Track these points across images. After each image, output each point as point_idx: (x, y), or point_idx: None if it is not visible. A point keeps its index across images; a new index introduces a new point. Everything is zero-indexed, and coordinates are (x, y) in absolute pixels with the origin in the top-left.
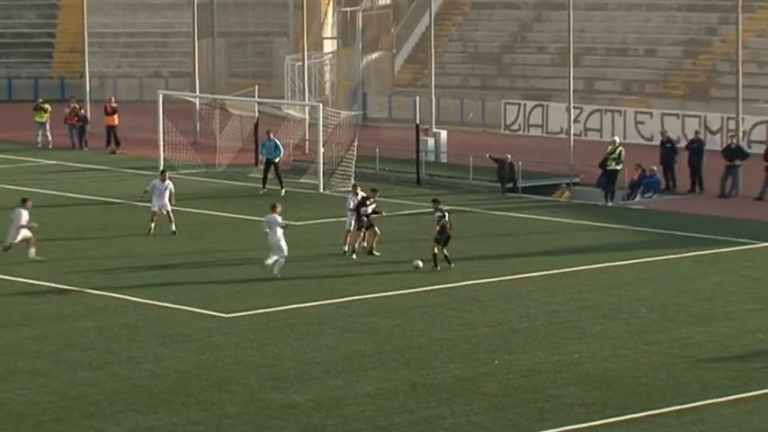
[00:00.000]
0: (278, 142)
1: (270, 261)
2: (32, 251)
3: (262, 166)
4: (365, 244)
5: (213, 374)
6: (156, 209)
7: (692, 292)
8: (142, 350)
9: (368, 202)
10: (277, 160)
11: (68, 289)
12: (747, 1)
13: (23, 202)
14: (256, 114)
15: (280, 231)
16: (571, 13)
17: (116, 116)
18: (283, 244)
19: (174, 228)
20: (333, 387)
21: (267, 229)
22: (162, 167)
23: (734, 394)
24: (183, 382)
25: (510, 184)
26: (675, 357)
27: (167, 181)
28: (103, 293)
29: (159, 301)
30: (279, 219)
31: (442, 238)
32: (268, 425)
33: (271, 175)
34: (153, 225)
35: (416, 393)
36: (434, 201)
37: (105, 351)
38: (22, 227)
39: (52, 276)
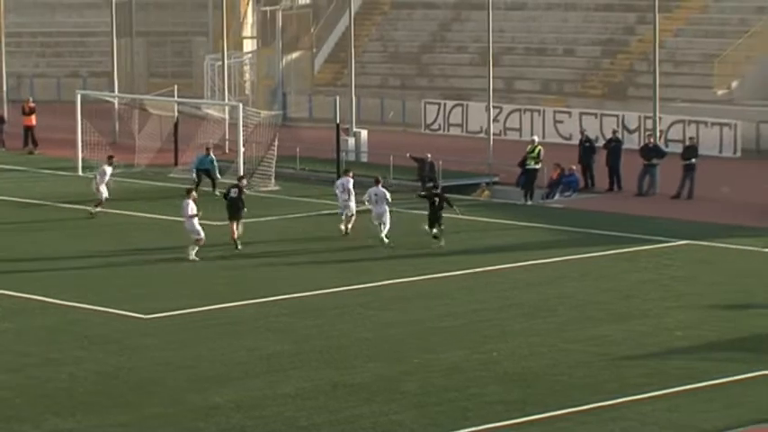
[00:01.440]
0: (214, 158)
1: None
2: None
3: (193, 176)
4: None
5: (134, 376)
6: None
7: (611, 291)
8: (61, 352)
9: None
10: (214, 174)
11: None
12: (664, 1)
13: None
14: (176, 114)
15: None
16: (490, 13)
17: (33, 116)
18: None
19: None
20: (253, 388)
21: (368, 203)
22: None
23: (652, 391)
24: (103, 383)
25: (430, 184)
26: (594, 355)
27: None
28: (21, 295)
29: (79, 302)
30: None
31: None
32: (189, 426)
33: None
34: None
35: (337, 393)
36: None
37: (22, 354)
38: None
39: None
